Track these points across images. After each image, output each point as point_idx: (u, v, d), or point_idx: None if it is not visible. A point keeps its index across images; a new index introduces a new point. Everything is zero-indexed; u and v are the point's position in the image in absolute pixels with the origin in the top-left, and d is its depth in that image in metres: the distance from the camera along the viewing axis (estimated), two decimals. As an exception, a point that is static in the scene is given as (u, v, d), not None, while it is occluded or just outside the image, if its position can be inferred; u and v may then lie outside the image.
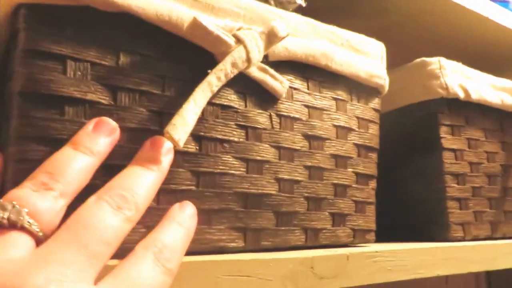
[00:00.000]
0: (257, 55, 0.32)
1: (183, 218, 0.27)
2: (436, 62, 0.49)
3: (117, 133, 0.27)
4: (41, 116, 0.25)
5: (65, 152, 0.25)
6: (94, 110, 0.27)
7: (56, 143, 0.25)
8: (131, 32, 0.29)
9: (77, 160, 0.24)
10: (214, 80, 0.30)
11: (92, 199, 0.23)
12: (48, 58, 0.26)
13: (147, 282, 0.22)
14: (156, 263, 0.23)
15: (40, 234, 0.21)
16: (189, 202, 0.29)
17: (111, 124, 0.27)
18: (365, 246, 0.39)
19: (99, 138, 0.26)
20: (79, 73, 0.27)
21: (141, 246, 0.24)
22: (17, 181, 0.23)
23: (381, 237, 0.48)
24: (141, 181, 0.25)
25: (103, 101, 0.27)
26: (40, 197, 0.22)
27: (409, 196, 0.51)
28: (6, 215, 0.21)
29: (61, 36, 0.26)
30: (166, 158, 0.27)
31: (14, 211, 0.21)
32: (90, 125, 0.26)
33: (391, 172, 0.53)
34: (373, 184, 0.41)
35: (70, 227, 0.22)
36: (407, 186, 0.51)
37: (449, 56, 0.51)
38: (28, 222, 0.21)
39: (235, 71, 0.31)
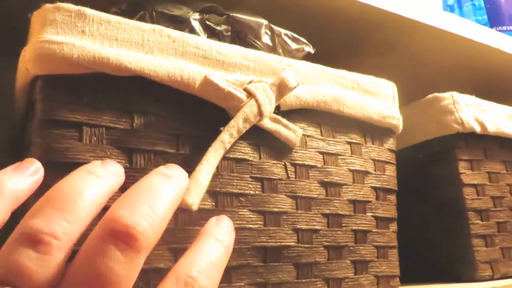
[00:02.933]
0: (268, 108, 0.32)
1: (220, 234, 0.26)
2: (449, 97, 0.49)
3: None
4: (59, 184, 0.26)
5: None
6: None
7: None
8: (144, 93, 0.30)
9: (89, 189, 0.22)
10: (226, 137, 0.30)
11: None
12: (64, 126, 0.27)
13: None
14: None
15: None
16: (226, 217, 0.28)
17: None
18: (390, 293, 0.38)
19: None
20: (95, 138, 0.27)
21: (173, 274, 0.22)
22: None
23: (406, 279, 0.46)
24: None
25: (119, 163, 0.28)
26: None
27: (432, 235, 0.49)
28: None
29: (77, 104, 0.27)
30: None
31: None
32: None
33: (411, 211, 0.52)
34: (394, 227, 0.40)
35: None
36: (429, 225, 0.50)
37: (461, 90, 0.51)
38: None
39: (248, 126, 0.31)
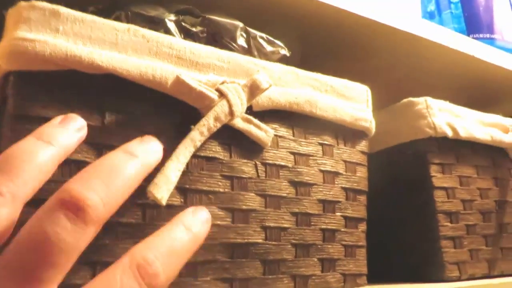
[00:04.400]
0: (240, 108, 0.33)
1: (192, 222, 0.26)
2: (423, 102, 0.50)
3: (85, 131, 0.26)
4: (28, 178, 0.26)
5: (25, 144, 0.23)
6: (80, 169, 0.28)
7: (40, 203, 0.26)
8: (117, 91, 0.30)
9: (38, 154, 0.23)
10: (197, 136, 0.31)
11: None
12: (35, 121, 0.27)
13: None
14: (137, 282, 0.21)
15: None
16: (204, 208, 0.28)
17: (80, 121, 0.26)
18: (357, 291, 0.39)
19: (66, 131, 0.25)
20: (66, 134, 0.28)
21: (128, 255, 0.22)
22: None
23: (377, 279, 0.47)
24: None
25: (88, 160, 0.28)
26: None
27: (403, 237, 0.51)
28: None
29: (49, 100, 0.28)
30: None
31: None
32: (58, 118, 0.26)
33: (384, 212, 0.53)
34: (363, 227, 0.41)
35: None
36: (400, 226, 0.51)
37: (437, 95, 0.52)
38: None
39: (218, 125, 0.32)
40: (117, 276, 0.21)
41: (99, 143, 0.29)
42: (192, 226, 0.26)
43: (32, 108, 0.27)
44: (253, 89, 0.34)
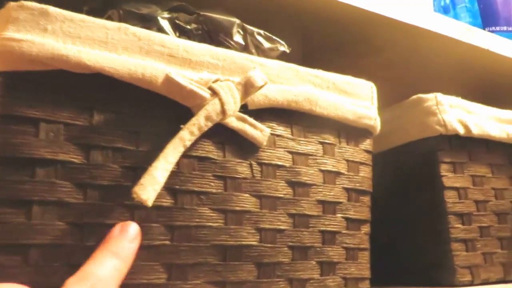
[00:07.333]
0: (232, 106, 0.32)
1: (120, 246, 0.27)
2: (433, 98, 0.48)
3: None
4: (12, 179, 0.26)
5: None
6: (66, 169, 0.28)
7: (26, 204, 0.26)
8: (106, 91, 0.30)
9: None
10: (186, 135, 0.30)
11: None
12: (23, 122, 0.27)
13: None
14: None
15: None
16: (131, 224, 0.28)
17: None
18: (359, 295, 0.38)
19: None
20: (52, 134, 0.28)
21: (75, 281, 0.24)
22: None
23: (384, 283, 0.46)
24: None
25: (75, 160, 0.28)
26: None
27: (411, 239, 0.49)
28: None
29: (36, 100, 0.28)
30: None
31: None
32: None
33: (392, 214, 0.51)
34: (366, 229, 0.40)
35: None
36: (409, 228, 0.49)
37: (450, 93, 0.50)
38: None
39: (210, 124, 0.31)
40: None
41: (86, 143, 0.28)
42: (119, 251, 0.26)
43: (18, 108, 0.27)
44: (247, 87, 0.33)
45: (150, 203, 0.27)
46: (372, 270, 0.40)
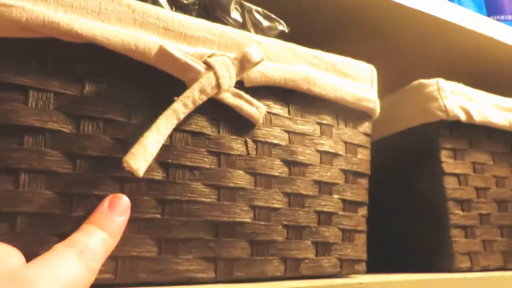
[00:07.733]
0: (228, 81, 0.32)
1: (108, 220, 0.26)
2: (434, 84, 0.47)
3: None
4: (0, 146, 0.26)
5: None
6: (55, 139, 0.27)
7: (14, 172, 0.25)
8: (97, 61, 0.29)
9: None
10: (180, 108, 0.29)
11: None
12: (11, 89, 0.27)
13: (72, 270, 0.22)
14: (80, 259, 0.23)
15: None
16: (121, 196, 0.28)
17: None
18: (354, 277, 0.37)
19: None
20: (41, 103, 0.27)
21: (62, 245, 0.24)
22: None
23: (385, 269, 0.45)
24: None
25: (64, 129, 0.27)
26: None
27: (413, 224, 0.48)
28: None
29: (25, 68, 0.27)
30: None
31: None
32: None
33: (391, 199, 0.50)
34: (363, 211, 0.39)
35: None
36: (410, 214, 0.48)
37: (454, 78, 0.49)
38: None
39: (204, 98, 0.31)
40: (67, 258, 0.23)
41: (77, 113, 0.28)
42: (108, 224, 0.26)
43: (7, 75, 0.26)
44: (244, 63, 0.32)
45: (141, 173, 0.27)
46: (371, 256, 0.39)
